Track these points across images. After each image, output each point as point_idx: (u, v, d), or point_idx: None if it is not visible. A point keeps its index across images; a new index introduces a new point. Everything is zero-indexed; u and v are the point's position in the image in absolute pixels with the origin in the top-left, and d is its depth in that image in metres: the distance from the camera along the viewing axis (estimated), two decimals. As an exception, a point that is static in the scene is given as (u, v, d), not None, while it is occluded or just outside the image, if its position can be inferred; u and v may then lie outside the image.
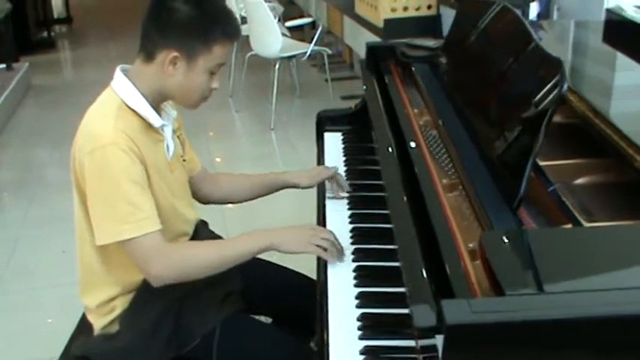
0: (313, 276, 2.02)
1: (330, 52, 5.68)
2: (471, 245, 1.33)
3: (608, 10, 2.41)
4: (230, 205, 3.86)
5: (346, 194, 2.03)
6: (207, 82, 1.69)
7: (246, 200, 2.12)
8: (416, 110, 2.04)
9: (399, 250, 1.36)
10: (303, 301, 1.96)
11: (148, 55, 1.66)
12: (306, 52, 5.35)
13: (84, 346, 1.78)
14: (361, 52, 5.71)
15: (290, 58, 5.51)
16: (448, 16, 4.34)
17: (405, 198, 1.52)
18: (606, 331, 1.03)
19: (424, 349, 1.31)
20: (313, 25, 6.82)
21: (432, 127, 1.91)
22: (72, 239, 1.76)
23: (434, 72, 2.20)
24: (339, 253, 1.70)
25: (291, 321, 2.02)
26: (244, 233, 1.73)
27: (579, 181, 1.63)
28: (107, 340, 1.75)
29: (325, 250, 1.68)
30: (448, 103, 1.92)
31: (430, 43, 2.34)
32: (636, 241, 1.24)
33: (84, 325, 1.86)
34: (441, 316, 1.00)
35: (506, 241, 1.19)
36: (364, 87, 2.37)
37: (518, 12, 1.78)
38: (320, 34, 5.61)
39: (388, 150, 1.79)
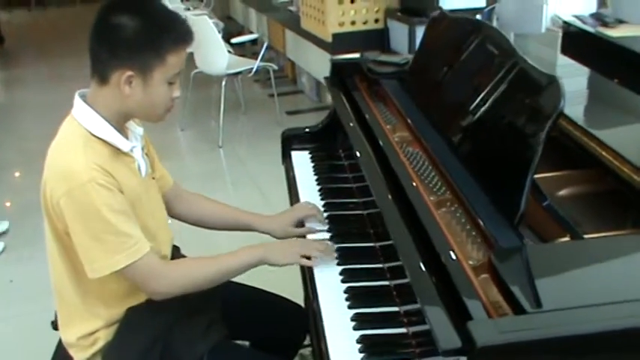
0: (294, 299, 2.01)
1: (276, 67, 5.67)
2: (471, 262, 1.33)
3: (565, 23, 2.47)
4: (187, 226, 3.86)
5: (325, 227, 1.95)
6: (168, 93, 1.61)
7: (216, 230, 2.06)
8: (389, 126, 2.04)
9: (409, 273, 1.34)
10: (285, 324, 1.95)
11: (102, 79, 1.58)
12: (252, 69, 5.32)
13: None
14: (307, 68, 5.78)
15: (236, 74, 5.47)
16: (396, 29, 4.39)
17: (402, 220, 1.51)
18: (631, 342, 1.04)
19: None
20: (254, 41, 6.79)
21: (410, 143, 1.91)
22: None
23: (404, 88, 2.20)
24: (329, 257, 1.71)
25: (272, 344, 1.98)
26: (240, 248, 1.73)
27: (562, 192, 1.66)
28: (89, 376, 1.68)
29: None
30: (427, 119, 1.93)
31: (397, 59, 2.35)
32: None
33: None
34: (469, 338, 0.99)
35: (518, 258, 1.19)
36: (333, 102, 2.36)
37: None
38: (265, 49, 5.59)
39: (375, 168, 1.78)
